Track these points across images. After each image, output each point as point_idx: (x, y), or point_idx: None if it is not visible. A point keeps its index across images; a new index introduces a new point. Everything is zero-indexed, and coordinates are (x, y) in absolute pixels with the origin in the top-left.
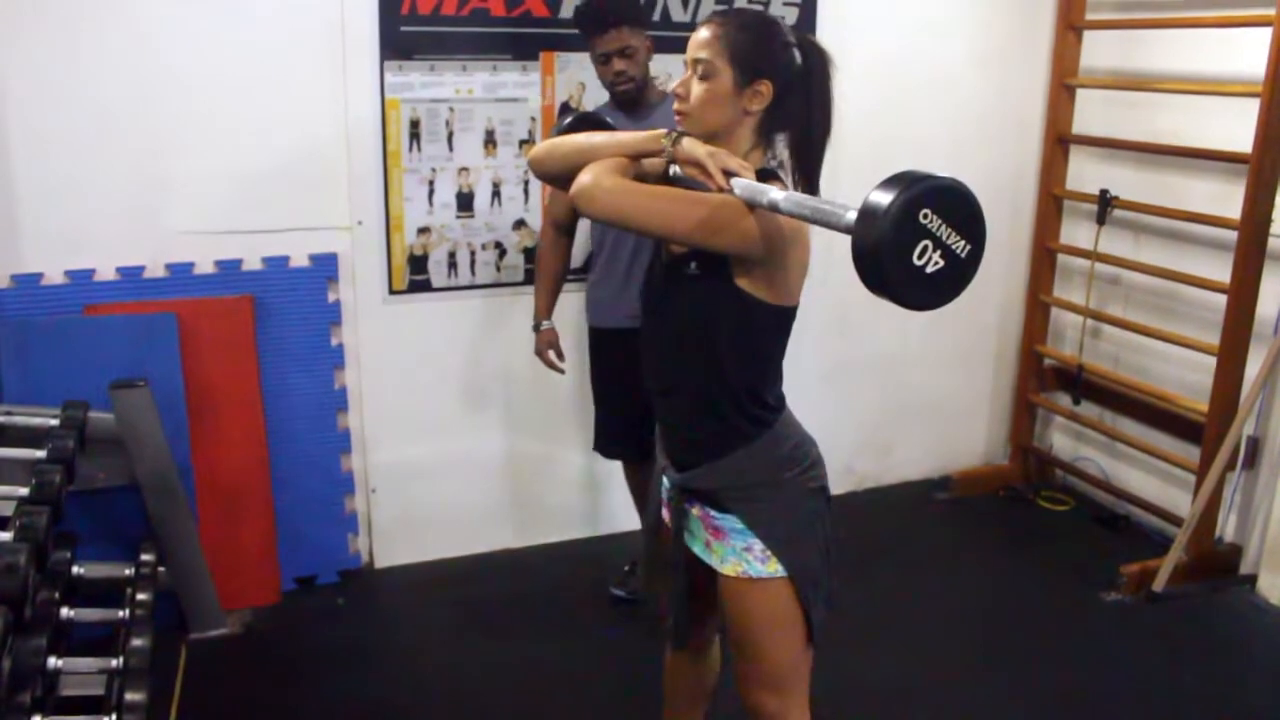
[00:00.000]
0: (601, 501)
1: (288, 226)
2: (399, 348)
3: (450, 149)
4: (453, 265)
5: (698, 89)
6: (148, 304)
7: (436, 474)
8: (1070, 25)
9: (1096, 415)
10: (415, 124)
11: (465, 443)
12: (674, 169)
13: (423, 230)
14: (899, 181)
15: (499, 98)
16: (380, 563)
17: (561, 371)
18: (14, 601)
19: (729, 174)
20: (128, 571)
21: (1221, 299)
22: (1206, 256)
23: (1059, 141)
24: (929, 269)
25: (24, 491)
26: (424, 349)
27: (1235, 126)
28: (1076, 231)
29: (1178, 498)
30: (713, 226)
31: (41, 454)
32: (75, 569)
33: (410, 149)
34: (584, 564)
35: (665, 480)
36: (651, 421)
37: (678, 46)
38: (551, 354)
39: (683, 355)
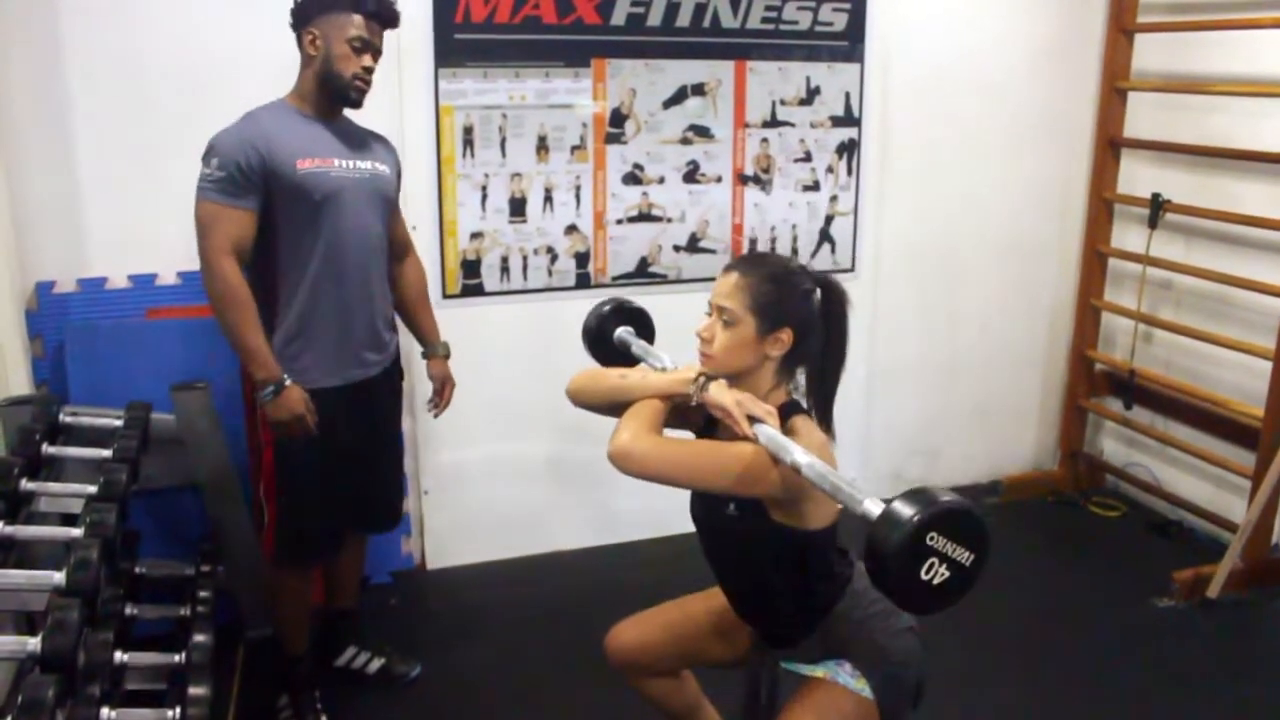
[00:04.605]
0: (650, 505)
1: None
2: (452, 350)
3: (503, 155)
4: (505, 270)
5: (722, 335)
6: (208, 308)
7: (489, 476)
8: (1121, 28)
9: (1148, 420)
10: (469, 130)
11: (518, 445)
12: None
13: (475, 235)
14: (914, 501)
15: (551, 104)
16: (432, 564)
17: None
18: (87, 596)
19: (755, 419)
20: (189, 571)
21: (1277, 303)
22: (1261, 260)
23: (1110, 145)
24: (935, 580)
25: (91, 489)
26: (476, 352)
27: None
28: (1127, 235)
29: (1232, 504)
30: (744, 480)
31: (107, 453)
32: (138, 567)
33: (463, 155)
34: (637, 566)
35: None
36: (354, 507)
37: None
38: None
39: (742, 575)
